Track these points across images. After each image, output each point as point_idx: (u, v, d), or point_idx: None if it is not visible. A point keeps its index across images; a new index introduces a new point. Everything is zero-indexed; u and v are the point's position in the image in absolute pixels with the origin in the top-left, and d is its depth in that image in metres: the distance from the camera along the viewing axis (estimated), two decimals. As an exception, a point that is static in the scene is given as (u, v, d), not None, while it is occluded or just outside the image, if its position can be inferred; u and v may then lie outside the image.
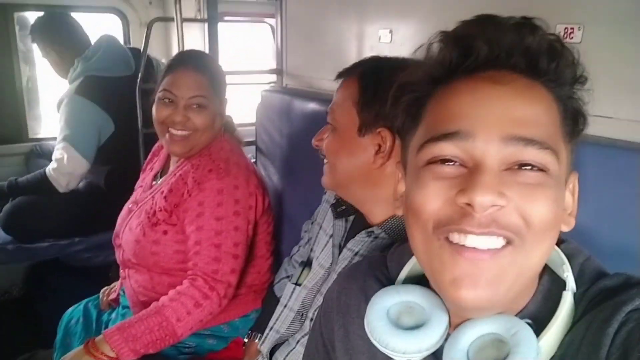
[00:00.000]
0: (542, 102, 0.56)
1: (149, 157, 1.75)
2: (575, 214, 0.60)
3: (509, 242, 0.53)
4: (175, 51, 2.89)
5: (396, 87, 0.65)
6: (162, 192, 1.46)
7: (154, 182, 1.59)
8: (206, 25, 2.39)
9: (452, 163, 0.55)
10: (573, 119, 0.59)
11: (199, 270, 1.34)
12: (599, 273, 0.59)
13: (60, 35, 2.30)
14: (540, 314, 0.58)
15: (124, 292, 1.61)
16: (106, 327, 1.55)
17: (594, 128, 0.90)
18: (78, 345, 1.53)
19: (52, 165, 2.20)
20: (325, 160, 1.05)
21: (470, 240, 0.53)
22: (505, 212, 0.53)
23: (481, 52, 0.56)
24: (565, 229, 0.59)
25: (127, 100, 2.23)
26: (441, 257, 0.55)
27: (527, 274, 0.56)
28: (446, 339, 0.59)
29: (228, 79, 2.29)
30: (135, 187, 1.71)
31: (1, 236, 2.22)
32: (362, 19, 1.57)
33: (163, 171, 1.60)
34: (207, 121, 1.45)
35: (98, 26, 2.87)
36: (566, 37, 0.93)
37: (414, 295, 0.64)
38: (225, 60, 2.56)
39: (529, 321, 0.56)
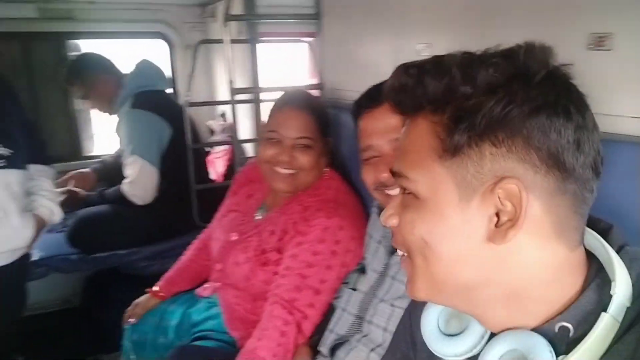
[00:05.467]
0: (414, 131, 0.62)
1: (239, 178, 1.77)
2: (519, 223, 0.56)
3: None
4: (221, 71, 3.05)
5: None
6: (273, 232, 1.47)
7: (256, 215, 1.60)
8: (247, 46, 2.55)
9: None
10: (465, 129, 0.57)
11: (278, 296, 1.34)
12: None
13: (104, 68, 2.50)
14: (583, 320, 0.58)
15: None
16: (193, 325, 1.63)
17: (625, 127, 0.98)
18: (152, 345, 1.68)
19: (126, 181, 2.36)
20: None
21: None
22: (396, 231, 0.66)
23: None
24: (494, 243, 0.57)
25: (177, 113, 2.41)
26: None
27: (443, 278, 0.62)
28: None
29: (269, 95, 2.43)
30: (224, 208, 1.74)
31: (64, 248, 2.38)
32: (399, 34, 1.63)
33: (265, 204, 1.60)
34: (312, 161, 1.46)
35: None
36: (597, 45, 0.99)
37: None
38: (266, 79, 2.70)
39: (568, 325, 0.58)
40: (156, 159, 2.37)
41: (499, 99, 0.55)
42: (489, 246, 0.58)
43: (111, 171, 2.65)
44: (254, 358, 1.28)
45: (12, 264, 1.51)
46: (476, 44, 0.62)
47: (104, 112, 2.57)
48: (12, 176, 1.43)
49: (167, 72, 3.00)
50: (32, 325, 2.59)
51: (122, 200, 2.37)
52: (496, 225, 0.57)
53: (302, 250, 1.36)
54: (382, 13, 1.69)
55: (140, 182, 2.33)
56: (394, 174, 0.64)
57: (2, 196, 1.40)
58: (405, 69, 0.61)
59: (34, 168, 1.60)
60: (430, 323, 0.71)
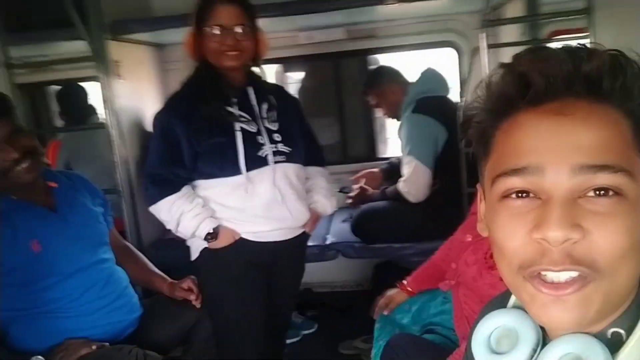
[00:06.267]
0: (609, 124, 0.55)
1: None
2: None
3: (588, 272, 0.54)
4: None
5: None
6: None
7: None
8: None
9: (526, 195, 0.58)
10: None
11: None
12: None
13: (393, 78, 2.80)
14: (634, 324, 0.58)
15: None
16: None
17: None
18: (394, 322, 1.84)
19: (402, 179, 2.63)
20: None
21: (550, 276, 0.56)
22: (580, 246, 0.54)
23: (538, 86, 0.57)
24: None
25: (456, 118, 2.53)
26: (526, 290, 0.59)
27: (615, 295, 0.57)
28: None
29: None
30: (471, 210, 1.83)
31: (350, 236, 2.78)
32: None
33: None
34: None
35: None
36: None
37: (512, 319, 0.67)
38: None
39: (621, 331, 0.58)
40: (430, 160, 2.54)
41: None
42: None
43: (396, 171, 2.93)
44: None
45: (293, 239, 1.91)
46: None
47: (391, 118, 2.87)
48: (290, 169, 1.83)
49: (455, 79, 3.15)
50: (329, 299, 3.10)
51: (399, 197, 2.62)
52: None
53: None
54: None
55: (414, 181, 2.54)
56: (591, 168, 0.54)
57: (282, 183, 1.81)
58: (589, 55, 0.56)
59: (312, 170, 1.99)
60: (480, 343, 0.69)
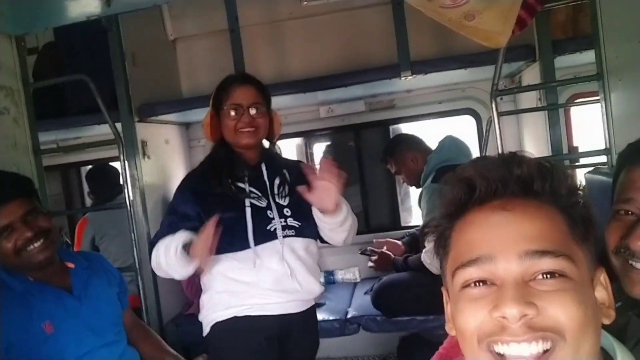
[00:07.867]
0: (545, 217, 0.65)
1: None
2: (614, 305, 0.67)
3: (551, 346, 0.59)
4: (527, 141, 2.98)
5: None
6: None
7: None
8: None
9: (482, 284, 0.65)
10: (582, 223, 0.67)
11: None
12: None
13: (413, 146, 2.79)
14: None
15: None
16: None
17: None
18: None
19: (424, 250, 2.56)
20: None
21: (513, 348, 0.60)
22: (538, 320, 0.59)
23: (482, 187, 0.67)
24: (607, 321, 0.66)
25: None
26: None
27: None
28: None
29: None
30: None
31: (372, 309, 2.69)
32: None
33: None
34: None
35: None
36: None
37: None
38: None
39: None
40: None
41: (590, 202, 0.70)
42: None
43: (418, 243, 2.87)
44: None
45: (305, 311, 1.87)
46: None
47: (411, 185, 2.85)
48: (298, 243, 1.82)
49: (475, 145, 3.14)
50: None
51: (422, 268, 2.54)
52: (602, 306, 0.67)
53: None
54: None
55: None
56: (536, 253, 0.63)
57: (290, 257, 1.79)
58: (519, 161, 0.68)
59: None
60: None
